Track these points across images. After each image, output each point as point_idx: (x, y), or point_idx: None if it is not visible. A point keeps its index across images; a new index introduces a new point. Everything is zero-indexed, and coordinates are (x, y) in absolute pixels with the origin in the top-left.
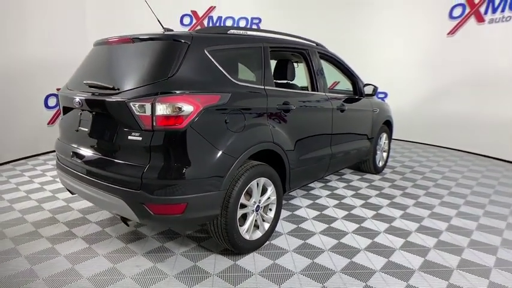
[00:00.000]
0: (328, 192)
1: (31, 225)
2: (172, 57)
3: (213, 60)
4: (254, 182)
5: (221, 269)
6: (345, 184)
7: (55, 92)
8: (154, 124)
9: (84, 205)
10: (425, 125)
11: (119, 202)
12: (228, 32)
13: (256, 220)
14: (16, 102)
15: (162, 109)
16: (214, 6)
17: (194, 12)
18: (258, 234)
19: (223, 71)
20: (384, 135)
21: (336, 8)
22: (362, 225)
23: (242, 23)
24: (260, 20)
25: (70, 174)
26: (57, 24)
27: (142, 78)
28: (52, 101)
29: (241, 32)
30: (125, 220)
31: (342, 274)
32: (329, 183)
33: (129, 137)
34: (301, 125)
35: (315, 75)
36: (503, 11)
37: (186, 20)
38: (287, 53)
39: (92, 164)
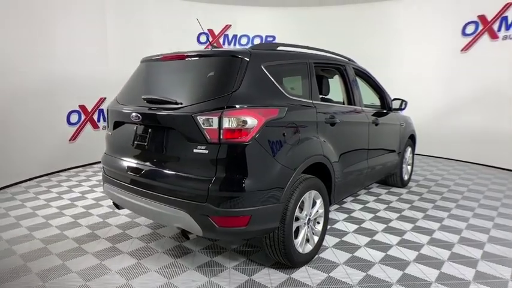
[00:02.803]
0: (361, 206)
1: (73, 241)
2: (235, 72)
3: (269, 75)
4: (306, 195)
5: (278, 283)
6: (374, 198)
7: (77, 108)
8: (221, 137)
9: (121, 221)
10: (441, 139)
11: (182, 215)
12: (278, 49)
13: (307, 233)
14: (39, 118)
15: (229, 122)
16: (230, 25)
17: (210, 31)
18: (309, 247)
19: (278, 86)
20: (409, 149)
21: (353, 26)
22: (403, 237)
23: (257, 41)
24: (274, 38)
25: (122, 188)
26: (79, 42)
27: (207, 93)
28: (74, 118)
29: (288, 48)
30: (185, 233)
31: (400, 285)
32: (359, 197)
33: (195, 150)
34: (344, 138)
35: (352, 90)
36: None
37: (203, 38)
38: (326, 69)
39: (152, 177)
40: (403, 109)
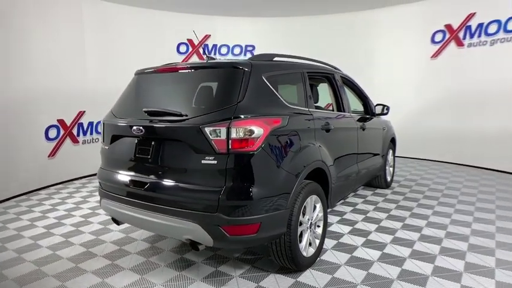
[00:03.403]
0: (351, 208)
1: (68, 261)
2: (238, 83)
3: (269, 85)
4: (308, 200)
5: (286, 287)
6: (362, 199)
7: (55, 122)
8: (229, 147)
9: (116, 237)
10: (415, 140)
11: (192, 226)
12: (274, 59)
13: (309, 237)
14: (15, 134)
15: (236, 133)
16: (210, 35)
17: (190, 41)
18: (312, 250)
19: (278, 95)
20: (390, 152)
21: (332, 35)
22: (396, 235)
23: (237, 51)
24: (254, 47)
25: (123, 202)
26: (55, 55)
27: (213, 104)
28: (53, 133)
29: (283, 59)
30: (195, 245)
31: (401, 281)
32: (348, 200)
33: (203, 161)
34: (338, 144)
35: (341, 97)
36: (479, 36)
37: (183, 48)
38: (317, 77)
39: (157, 190)
40: (386, 114)
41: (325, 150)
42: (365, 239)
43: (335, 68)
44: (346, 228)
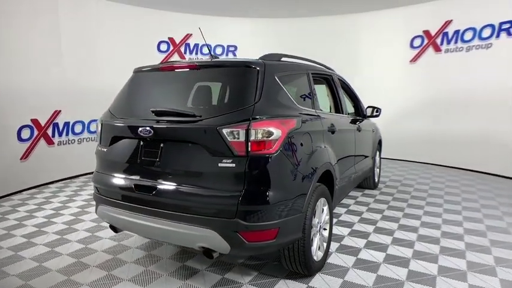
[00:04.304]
0: (345, 209)
1: (59, 274)
2: (254, 83)
3: (282, 85)
4: (318, 203)
5: None
6: (353, 201)
7: (29, 122)
8: (248, 150)
9: (107, 245)
10: (395, 142)
11: (208, 233)
12: (282, 60)
13: (319, 241)
14: None
15: (255, 134)
16: (191, 34)
17: (171, 39)
18: (320, 254)
19: (290, 96)
20: (377, 153)
21: (314, 38)
22: (394, 236)
23: (218, 51)
24: (236, 47)
25: (126, 208)
26: (29, 52)
27: (229, 105)
28: (26, 133)
29: (289, 59)
30: (209, 253)
31: (411, 283)
32: (341, 201)
33: (220, 164)
34: (340, 145)
35: (339, 98)
36: (456, 42)
37: (163, 47)
38: (318, 79)
39: (168, 196)
40: (378, 116)
41: (332, 152)
42: (366, 240)
43: (331, 70)
44: (345, 230)
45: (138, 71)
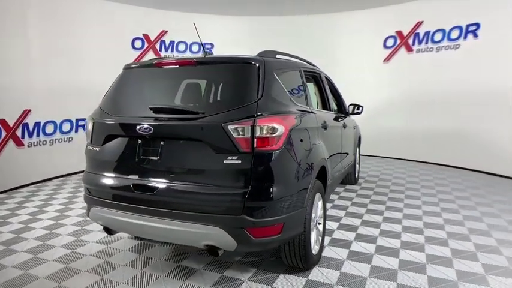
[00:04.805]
0: (330, 205)
1: (48, 281)
2: (255, 79)
3: (280, 82)
4: (316, 197)
5: (301, 287)
6: (337, 196)
7: None
8: (254, 146)
9: (95, 248)
10: (370, 138)
11: (215, 231)
12: (276, 56)
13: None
14: None
15: (261, 131)
16: (167, 31)
17: (146, 36)
18: (316, 248)
19: (287, 93)
20: (357, 150)
21: (291, 37)
22: (381, 228)
23: (195, 48)
24: (213, 45)
25: (123, 209)
26: None
27: (232, 101)
28: None
29: (283, 56)
30: (214, 251)
31: (404, 271)
32: None
33: (225, 161)
34: (331, 142)
35: (327, 95)
36: (426, 43)
37: (138, 44)
38: (308, 77)
39: (170, 194)
40: (360, 113)
41: (325, 148)
42: (355, 233)
43: (317, 68)
44: (334, 224)
45: (129, 68)
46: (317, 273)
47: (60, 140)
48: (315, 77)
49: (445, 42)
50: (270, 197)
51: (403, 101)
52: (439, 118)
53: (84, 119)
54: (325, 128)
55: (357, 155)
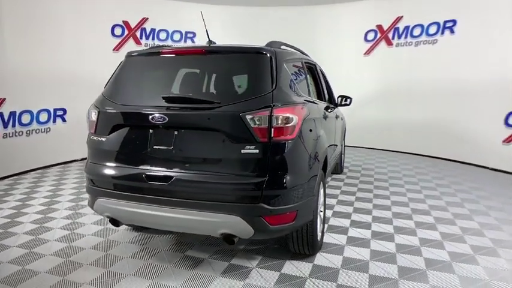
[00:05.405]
0: None
1: (50, 275)
2: (269, 69)
3: (289, 72)
4: (321, 185)
5: (309, 271)
6: (326, 185)
7: None
8: (271, 136)
9: (92, 241)
10: (349, 129)
11: (233, 219)
12: (281, 47)
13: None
14: None
15: (277, 121)
16: (147, 18)
17: (126, 23)
18: (319, 235)
19: (295, 84)
20: (343, 140)
21: (274, 28)
22: (374, 215)
23: (176, 37)
24: (195, 34)
25: (134, 200)
26: None
27: (248, 91)
28: None
29: (286, 47)
30: (230, 239)
31: (402, 254)
32: None
33: (242, 151)
34: (329, 132)
35: (322, 87)
36: (406, 37)
37: (118, 31)
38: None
39: (186, 184)
40: (349, 105)
41: (326, 137)
42: (349, 220)
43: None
44: (328, 212)
45: (133, 55)
46: (321, 259)
47: (38, 131)
48: (311, 68)
49: (424, 37)
50: (286, 186)
51: (382, 94)
52: (417, 110)
53: (62, 109)
54: (325, 119)
55: (343, 145)
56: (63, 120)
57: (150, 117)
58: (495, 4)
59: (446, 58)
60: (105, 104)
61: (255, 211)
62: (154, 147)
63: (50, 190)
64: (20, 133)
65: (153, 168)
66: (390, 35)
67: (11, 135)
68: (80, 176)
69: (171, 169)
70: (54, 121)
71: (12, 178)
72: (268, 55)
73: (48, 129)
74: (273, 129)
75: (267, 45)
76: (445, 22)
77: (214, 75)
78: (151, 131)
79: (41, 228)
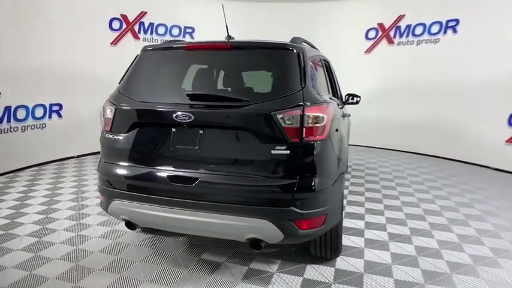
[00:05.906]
0: None
1: (61, 281)
2: (298, 67)
3: (315, 70)
4: None
5: (332, 276)
6: None
7: None
8: (302, 136)
9: (101, 244)
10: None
11: (262, 224)
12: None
13: None
14: None
15: (308, 120)
16: (146, 12)
17: (124, 17)
18: None
19: (321, 82)
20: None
21: (275, 23)
22: (387, 216)
23: (175, 32)
24: (194, 29)
25: (154, 202)
26: None
27: (277, 89)
28: None
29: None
30: (257, 244)
31: (423, 257)
32: None
33: (273, 152)
34: (345, 131)
35: (334, 84)
36: (407, 36)
37: (116, 25)
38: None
39: (214, 187)
40: (357, 103)
41: (346, 137)
42: (364, 221)
43: None
44: None
45: (151, 50)
46: (342, 263)
47: (33, 127)
48: (326, 65)
49: (426, 36)
50: (316, 189)
51: (382, 92)
52: (418, 109)
53: (58, 104)
54: (344, 118)
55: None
56: (59, 115)
57: (174, 115)
58: (498, 4)
59: (448, 57)
60: (123, 101)
61: (286, 215)
62: (178, 146)
63: (48, 189)
64: (15, 129)
65: (177, 169)
66: (392, 34)
67: (5, 131)
68: (78, 174)
69: (196, 170)
70: (50, 117)
71: (7, 176)
72: (296, 52)
73: (43, 125)
74: (304, 129)
75: (291, 41)
76: (448, 21)
77: (240, 72)
78: (174, 129)
79: (44, 230)
